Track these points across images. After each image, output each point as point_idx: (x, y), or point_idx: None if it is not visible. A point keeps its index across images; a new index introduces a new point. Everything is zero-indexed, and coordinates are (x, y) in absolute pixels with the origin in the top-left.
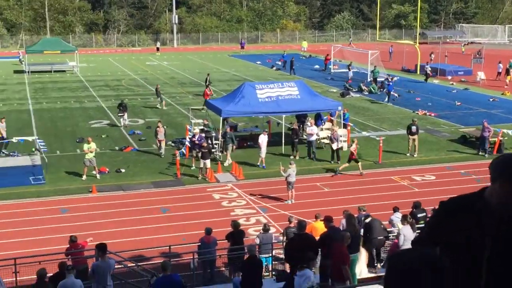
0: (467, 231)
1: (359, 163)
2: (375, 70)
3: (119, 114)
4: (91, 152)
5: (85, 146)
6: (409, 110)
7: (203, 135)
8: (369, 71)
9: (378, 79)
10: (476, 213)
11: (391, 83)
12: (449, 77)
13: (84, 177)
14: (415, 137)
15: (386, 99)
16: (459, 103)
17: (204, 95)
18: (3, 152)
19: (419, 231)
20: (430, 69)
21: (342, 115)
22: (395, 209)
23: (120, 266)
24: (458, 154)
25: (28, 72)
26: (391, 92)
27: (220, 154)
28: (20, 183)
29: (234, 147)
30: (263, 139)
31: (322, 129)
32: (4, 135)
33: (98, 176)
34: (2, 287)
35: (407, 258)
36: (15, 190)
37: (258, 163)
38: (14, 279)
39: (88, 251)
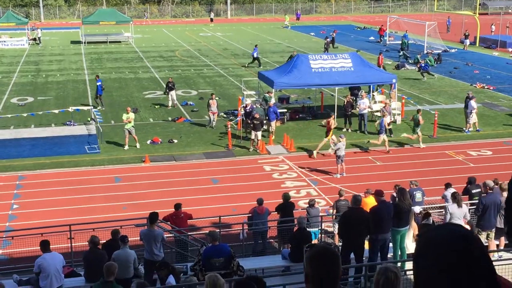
0: None
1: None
2: (402, 41)
3: (165, 93)
4: (129, 122)
5: (124, 116)
6: (467, 83)
7: (257, 106)
8: (425, 43)
9: (435, 52)
10: None
11: (423, 64)
12: (510, 49)
13: (126, 147)
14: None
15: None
16: None
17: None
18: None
19: (472, 207)
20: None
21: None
22: (448, 185)
23: (170, 235)
24: None
25: (85, 42)
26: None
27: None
28: (76, 151)
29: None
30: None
31: (375, 102)
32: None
33: (138, 145)
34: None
35: (436, 235)
36: (71, 158)
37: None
38: (69, 244)
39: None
